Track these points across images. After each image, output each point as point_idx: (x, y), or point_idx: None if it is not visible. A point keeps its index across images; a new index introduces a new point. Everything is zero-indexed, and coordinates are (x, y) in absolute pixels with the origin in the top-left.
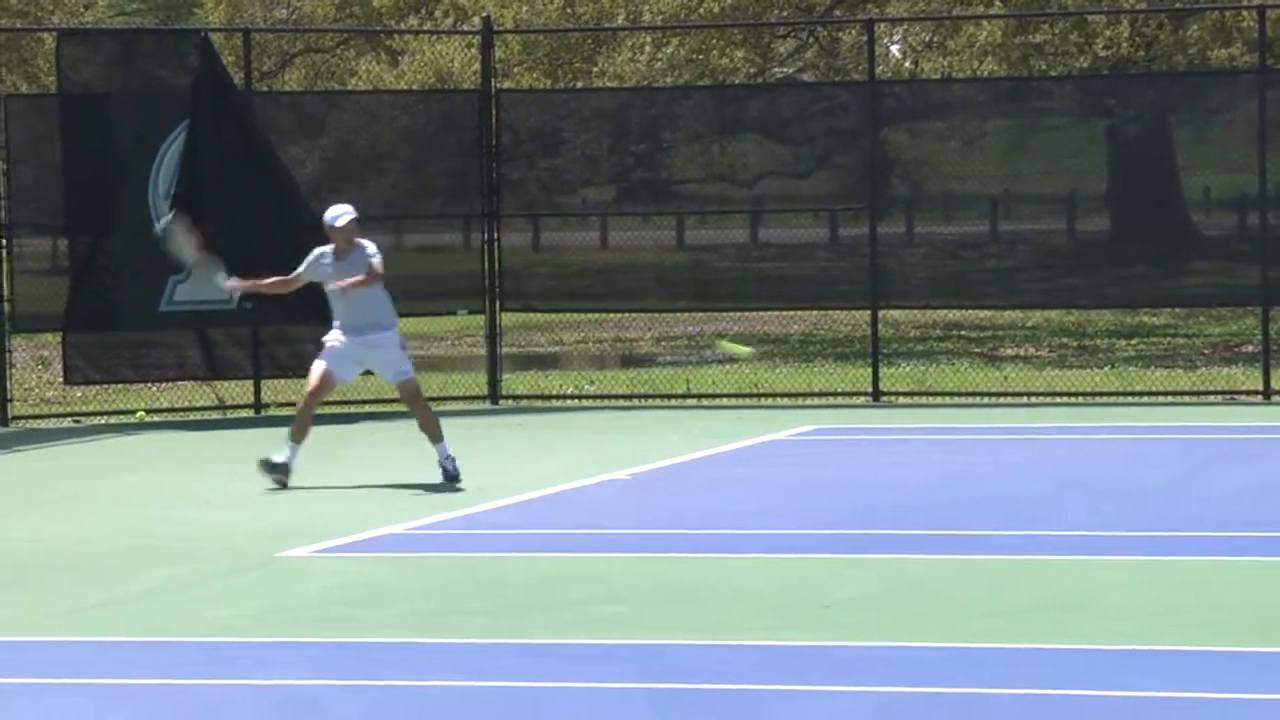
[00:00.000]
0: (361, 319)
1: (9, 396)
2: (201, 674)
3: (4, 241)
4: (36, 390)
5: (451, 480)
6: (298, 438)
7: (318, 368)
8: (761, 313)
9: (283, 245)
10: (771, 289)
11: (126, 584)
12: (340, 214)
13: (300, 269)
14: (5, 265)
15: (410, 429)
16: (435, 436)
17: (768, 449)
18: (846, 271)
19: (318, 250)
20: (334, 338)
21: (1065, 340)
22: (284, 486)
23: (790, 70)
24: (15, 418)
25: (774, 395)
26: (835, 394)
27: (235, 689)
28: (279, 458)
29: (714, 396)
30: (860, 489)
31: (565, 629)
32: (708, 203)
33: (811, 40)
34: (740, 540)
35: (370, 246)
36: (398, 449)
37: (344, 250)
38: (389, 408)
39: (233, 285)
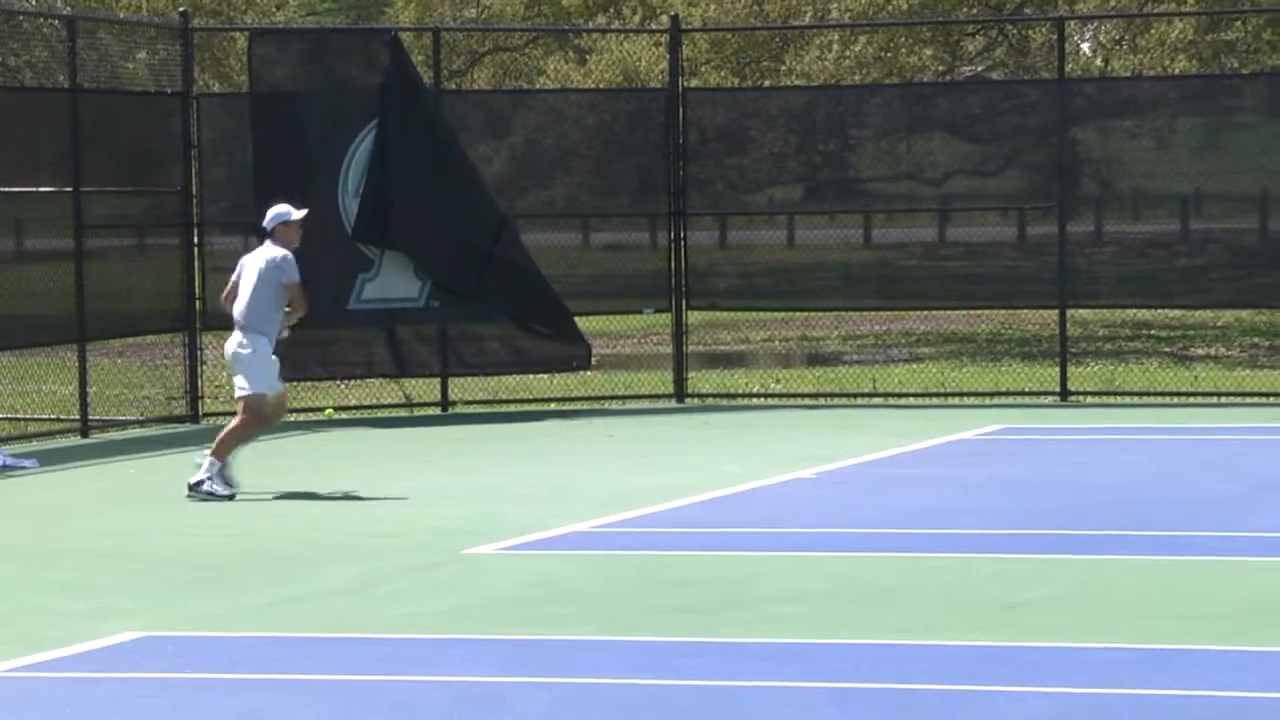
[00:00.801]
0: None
1: (201, 394)
2: (390, 670)
3: (196, 239)
4: (227, 388)
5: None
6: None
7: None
8: (949, 311)
9: (471, 243)
10: (959, 288)
11: (317, 580)
12: (288, 210)
13: (296, 279)
14: (198, 263)
15: (595, 427)
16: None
17: (954, 448)
18: (1034, 270)
19: (288, 255)
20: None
21: (1256, 340)
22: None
23: (979, 68)
24: (207, 415)
25: (961, 394)
26: (1022, 393)
27: (423, 685)
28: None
29: (900, 395)
30: (1048, 489)
31: (750, 628)
32: (894, 201)
33: (1000, 38)
34: (926, 540)
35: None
36: (582, 446)
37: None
38: (574, 405)
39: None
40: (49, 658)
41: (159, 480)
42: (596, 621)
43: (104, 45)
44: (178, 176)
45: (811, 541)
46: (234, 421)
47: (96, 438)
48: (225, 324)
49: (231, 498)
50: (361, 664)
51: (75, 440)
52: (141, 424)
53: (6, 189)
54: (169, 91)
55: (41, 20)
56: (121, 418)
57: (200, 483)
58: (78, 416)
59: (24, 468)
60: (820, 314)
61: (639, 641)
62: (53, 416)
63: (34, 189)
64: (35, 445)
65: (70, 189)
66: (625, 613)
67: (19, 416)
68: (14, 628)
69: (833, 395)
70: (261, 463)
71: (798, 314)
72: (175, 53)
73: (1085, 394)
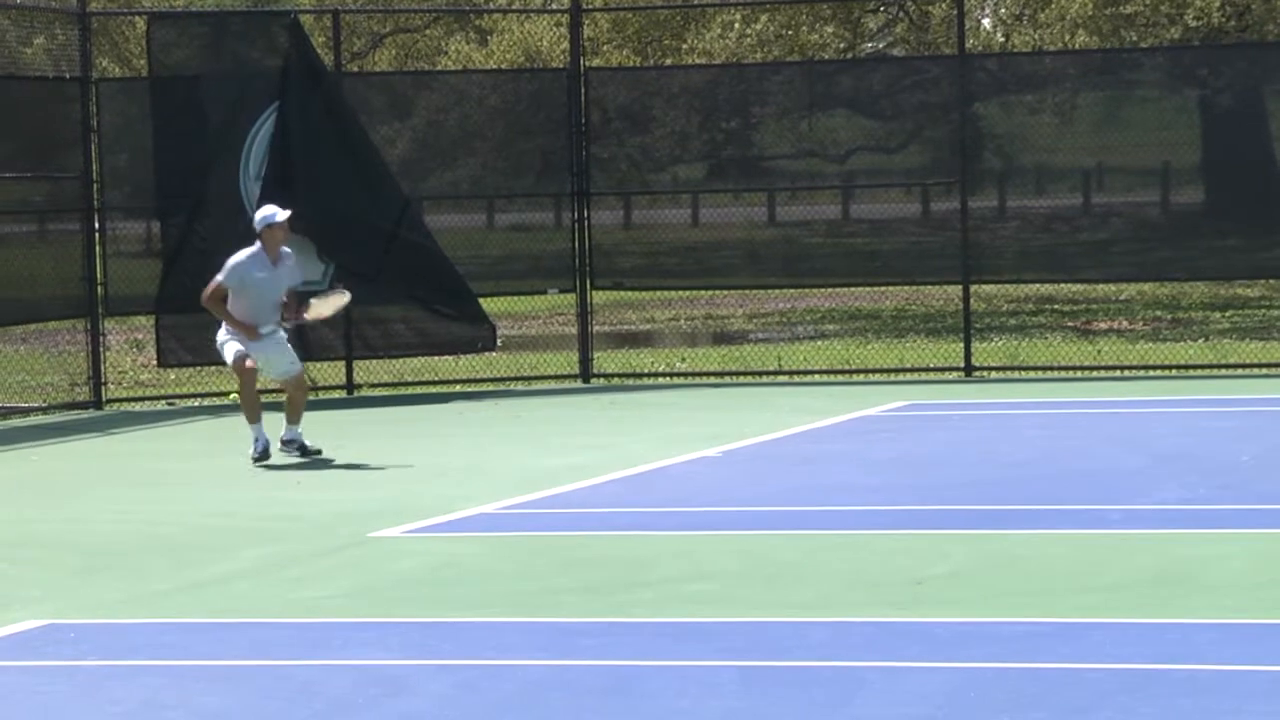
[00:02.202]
0: (266, 322)
1: (104, 379)
2: (294, 654)
3: (98, 224)
4: (130, 373)
5: (309, 454)
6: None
7: (231, 361)
8: (853, 288)
9: (375, 225)
10: (863, 264)
11: (219, 564)
12: (275, 211)
13: (223, 279)
14: (99, 248)
15: (501, 408)
16: (296, 420)
17: (860, 425)
18: (938, 246)
19: (242, 258)
20: (228, 335)
21: (1159, 313)
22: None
23: (880, 45)
24: (110, 400)
25: (866, 371)
26: (928, 369)
27: (327, 669)
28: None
29: (806, 373)
30: (953, 464)
31: (656, 607)
32: (798, 178)
33: (901, 15)
34: (832, 516)
35: (293, 256)
36: (487, 428)
37: (277, 257)
38: (479, 387)
39: None
40: None
41: (62, 467)
42: (502, 603)
43: (1, 30)
44: (78, 162)
45: (718, 520)
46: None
47: None
48: (129, 310)
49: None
50: (265, 648)
51: None
52: (45, 410)
53: None
54: (68, 76)
55: None
56: (24, 405)
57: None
58: None
59: None
60: (725, 292)
61: (544, 623)
62: None
63: None
64: None
65: None
66: (531, 594)
67: None
68: None
69: (738, 374)
70: (164, 446)
71: (703, 293)
72: (74, 37)
73: (990, 369)
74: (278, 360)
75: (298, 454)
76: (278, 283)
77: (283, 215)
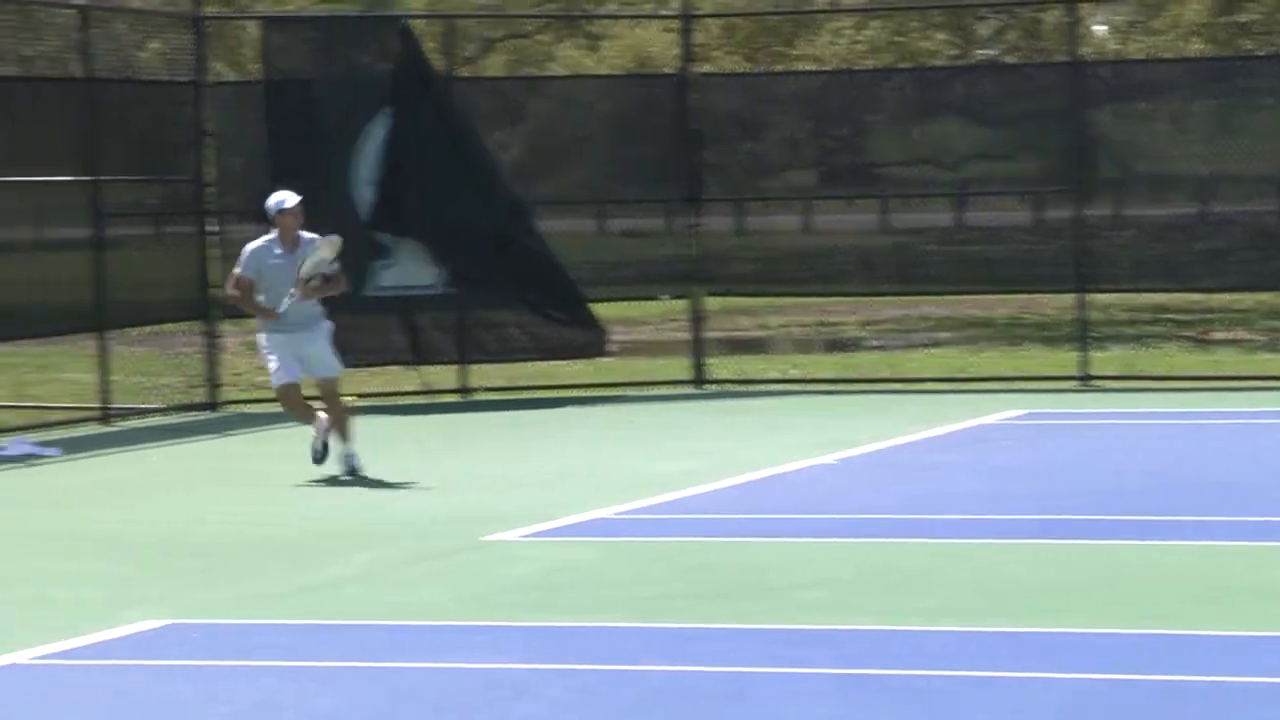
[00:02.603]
0: (300, 316)
1: (219, 381)
2: (409, 657)
3: (212, 227)
4: (246, 375)
5: (353, 474)
6: (310, 420)
7: (276, 386)
8: (967, 296)
9: (487, 230)
10: (976, 272)
11: (334, 567)
12: (285, 197)
13: (241, 271)
14: (214, 251)
15: (614, 412)
16: (346, 436)
17: (975, 433)
18: (1052, 254)
19: (255, 246)
20: (268, 341)
21: (1277, 323)
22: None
23: (992, 52)
24: (225, 402)
25: (980, 379)
26: (1043, 378)
27: (442, 672)
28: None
29: (920, 380)
30: (1072, 474)
31: (771, 614)
32: (910, 186)
33: (1012, 21)
34: (950, 525)
35: (316, 238)
36: (603, 433)
37: (292, 242)
38: (592, 392)
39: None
40: (72, 645)
41: (179, 468)
42: (618, 608)
43: (118, 34)
44: (192, 165)
45: (833, 527)
46: (335, 409)
47: (118, 425)
48: (243, 313)
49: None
50: (380, 651)
51: (97, 428)
52: (162, 412)
53: (24, 178)
54: (182, 80)
55: (55, 10)
56: (142, 405)
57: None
58: (99, 405)
59: (46, 456)
60: (838, 299)
61: (661, 628)
62: (74, 405)
63: (51, 178)
64: (57, 433)
65: (87, 178)
66: (647, 599)
67: (42, 405)
68: (37, 615)
69: (852, 381)
70: (279, 449)
71: (815, 299)
72: (188, 41)
73: (1106, 378)
74: (319, 359)
75: (348, 474)
76: (295, 268)
77: (292, 200)
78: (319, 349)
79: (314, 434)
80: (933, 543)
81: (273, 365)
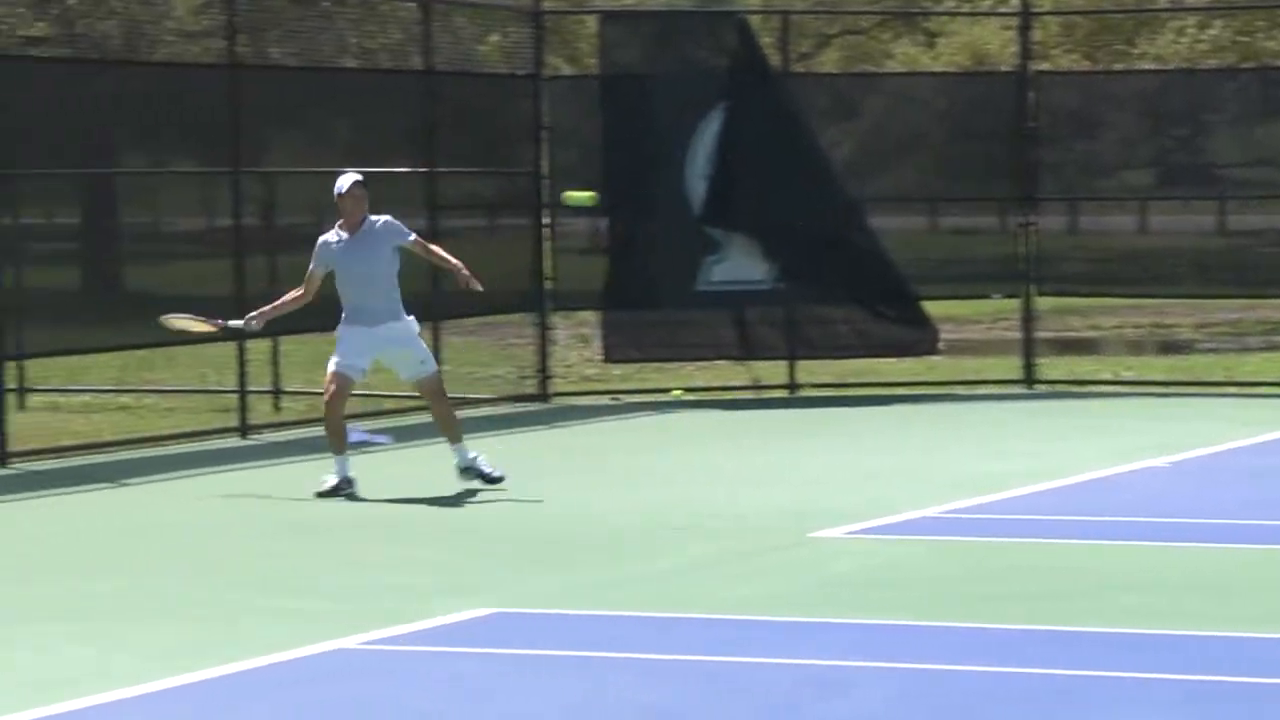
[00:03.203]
0: (378, 306)
1: (550, 373)
2: (734, 651)
3: (547, 220)
4: (576, 367)
5: (492, 482)
6: (337, 449)
7: (330, 371)
8: None
9: (819, 226)
10: None
11: (659, 559)
12: (343, 179)
13: (312, 267)
14: (547, 244)
15: (942, 411)
16: (454, 437)
17: None
18: None
19: (322, 237)
20: (344, 331)
21: None
22: (353, 498)
23: None
24: (556, 394)
25: None
26: None
27: (768, 667)
28: (330, 482)
29: (1255, 385)
30: None
31: (1099, 617)
32: (1250, 187)
33: None
34: (1278, 532)
35: (393, 221)
36: (930, 431)
37: (354, 226)
38: (920, 390)
39: (254, 323)
40: (402, 631)
41: (508, 459)
42: (939, 607)
43: (457, 28)
44: (528, 158)
45: (1163, 531)
46: (440, 407)
47: None
48: (575, 305)
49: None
50: (705, 645)
51: (429, 417)
52: (492, 402)
53: (363, 169)
54: (520, 74)
55: (397, 4)
56: (473, 395)
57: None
58: None
59: (379, 444)
60: (1172, 301)
61: (987, 629)
62: (407, 394)
63: (388, 169)
64: (390, 421)
65: (424, 170)
66: (972, 599)
67: (376, 393)
68: (368, 600)
69: (1185, 384)
70: (608, 441)
71: (1149, 301)
72: (527, 35)
73: None
74: (402, 357)
75: (479, 480)
76: (363, 254)
77: (346, 182)
78: (410, 348)
79: (339, 469)
80: (1263, 549)
81: (337, 356)
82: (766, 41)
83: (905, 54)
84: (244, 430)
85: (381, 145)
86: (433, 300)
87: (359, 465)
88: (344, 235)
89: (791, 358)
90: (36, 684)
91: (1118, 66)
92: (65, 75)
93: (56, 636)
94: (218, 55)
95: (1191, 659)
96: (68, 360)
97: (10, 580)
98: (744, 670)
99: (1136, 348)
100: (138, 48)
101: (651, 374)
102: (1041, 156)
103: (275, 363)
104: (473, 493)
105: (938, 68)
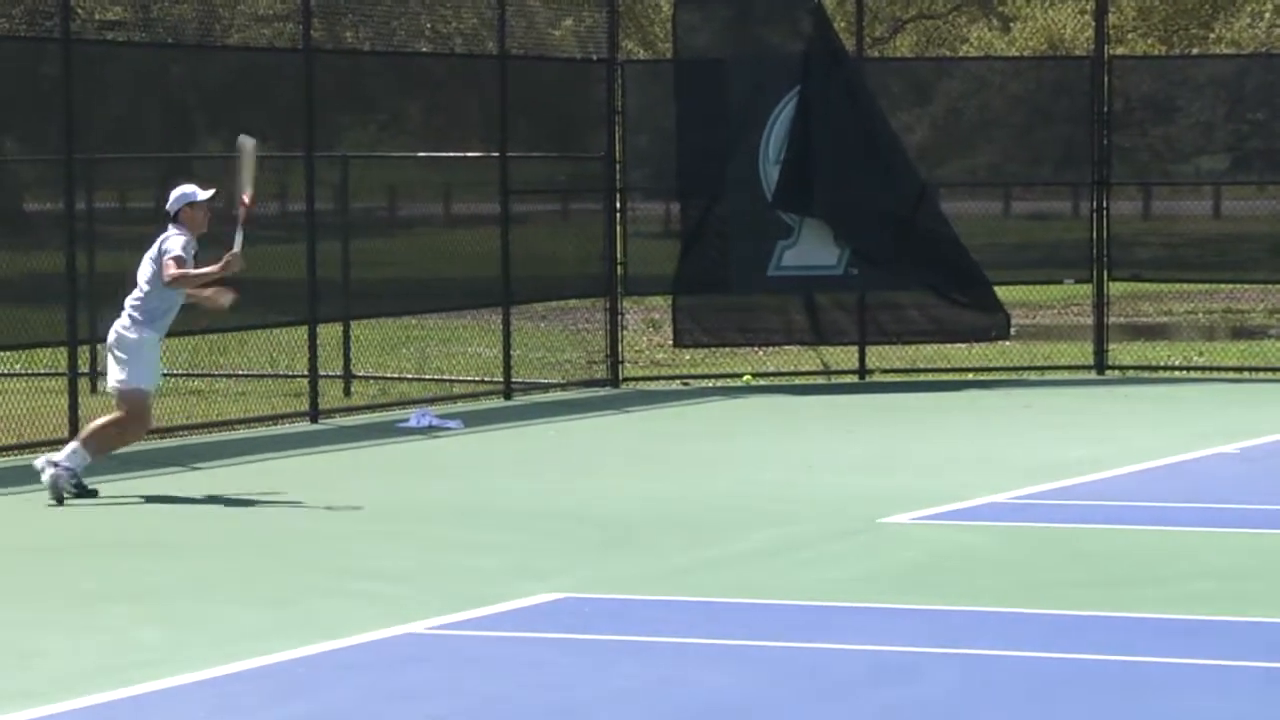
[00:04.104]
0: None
1: (620, 358)
2: (802, 637)
3: (619, 205)
4: (647, 352)
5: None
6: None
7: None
8: None
9: (891, 211)
10: None
11: (730, 544)
12: (203, 192)
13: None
14: (619, 228)
15: (1013, 396)
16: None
17: None
18: None
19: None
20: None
21: None
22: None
23: None
24: (626, 379)
25: None
26: None
27: (836, 652)
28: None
29: None
30: None
31: (1169, 604)
32: None
33: None
34: None
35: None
36: (999, 416)
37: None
38: (992, 375)
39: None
40: (471, 616)
41: (579, 443)
42: (1012, 593)
43: (532, 12)
44: (602, 142)
45: (1234, 517)
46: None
47: (519, 400)
48: (647, 290)
49: (60, 501)
50: (775, 630)
51: (498, 402)
52: (562, 387)
53: (436, 153)
54: (594, 58)
55: None
56: (544, 380)
57: (56, 464)
58: (501, 379)
59: (449, 428)
60: (1246, 286)
61: (1056, 615)
62: (477, 379)
63: (462, 154)
64: (460, 406)
65: (497, 154)
66: (1041, 585)
67: (446, 378)
68: (438, 584)
69: (1258, 369)
70: (678, 426)
71: (1222, 286)
72: (601, 20)
73: None
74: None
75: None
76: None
77: (203, 195)
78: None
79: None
80: None
81: (143, 367)
82: (841, 25)
83: (980, 38)
84: (315, 415)
85: (455, 130)
86: (504, 284)
87: (428, 448)
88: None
89: (863, 343)
90: (106, 669)
91: (1194, 51)
92: (142, 59)
93: (126, 619)
94: (292, 40)
95: (1260, 645)
96: None
97: (81, 563)
98: (811, 656)
99: (1208, 333)
100: (213, 32)
101: (722, 359)
102: (1116, 141)
103: (346, 347)
104: (543, 477)
105: (1013, 52)
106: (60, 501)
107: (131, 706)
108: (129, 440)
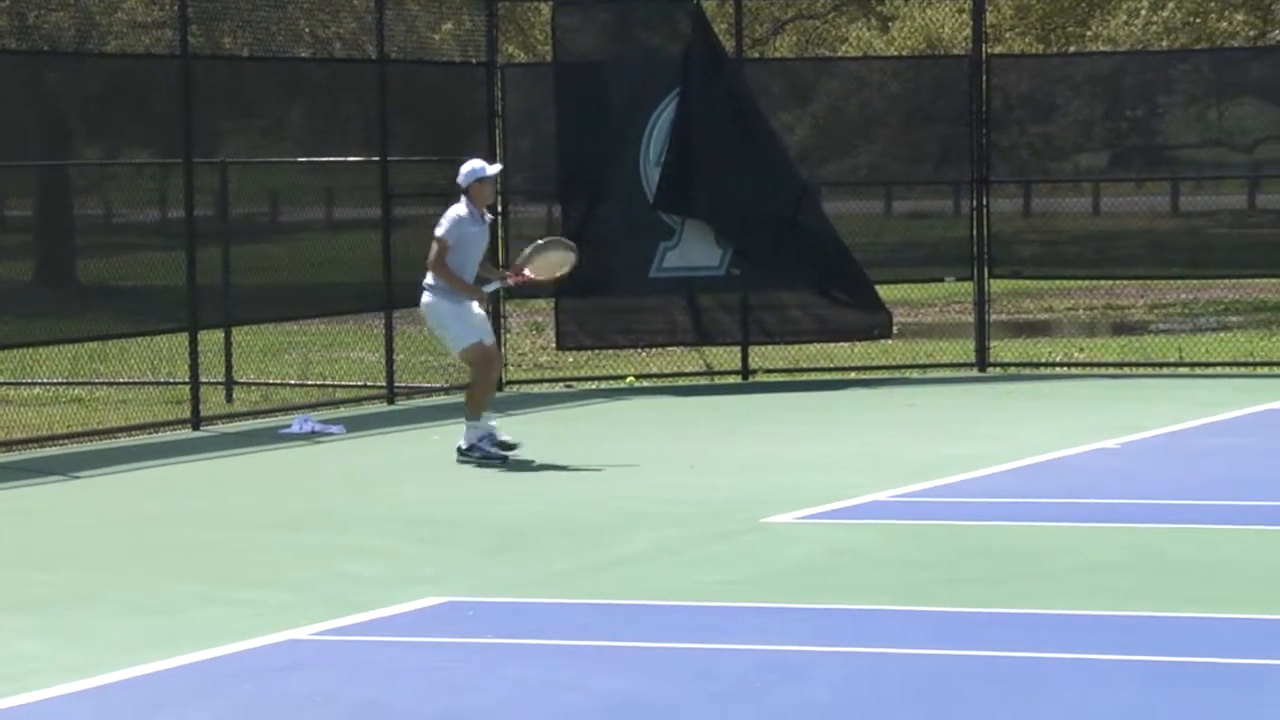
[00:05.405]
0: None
1: (504, 361)
2: (690, 638)
3: (500, 208)
4: (530, 355)
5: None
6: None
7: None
8: (1258, 280)
9: (773, 211)
10: (1269, 256)
11: (616, 547)
12: (483, 165)
13: (443, 233)
14: (500, 231)
15: (895, 395)
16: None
17: (1265, 419)
18: None
19: (460, 210)
20: (459, 309)
21: None
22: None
23: None
24: (510, 382)
25: (1271, 364)
26: None
27: (723, 653)
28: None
29: (1208, 365)
30: None
31: (1052, 600)
32: (1203, 168)
33: None
34: (1232, 512)
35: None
36: (882, 415)
37: (484, 211)
38: (874, 374)
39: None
40: (354, 621)
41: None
42: (897, 591)
43: (411, 16)
44: (482, 146)
45: (1114, 513)
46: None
47: (402, 404)
48: (534, 294)
49: (504, 460)
50: (660, 631)
51: (381, 407)
52: (446, 391)
53: (317, 158)
54: (475, 62)
55: None
56: (426, 385)
57: (472, 448)
58: (384, 383)
59: (332, 434)
60: (1126, 282)
61: (940, 612)
62: (360, 383)
63: (343, 159)
64: (343, 411)
65: (378, 159)
66: (925, 582)
67: (329, 383)
68: (320, 591)
69: (1138, 365)
70: (562, 429)
71: (1102, 282)
72: (481, 23)
73: None
74: (486, 327)
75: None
76: (484, 238)
77: (492, 169)
78: (484, 319)
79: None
80: (1216, 529)
81: (462, 331)
82: (722, 28)
83: (860, 38)
84: (196, 422)
85: (336, 134)
86: (386, 289)
87: (310, 454)
88: (478, 216)
89: (746, 343)
90: None
91: (1071, 49)
92: (17, 67)
93: (7, 630)
94: (170, 46)
95: (1146, 639)
96: (19, 353)
97: None
98: (700, 656)
99: (1089, 329)
100: (90, 39)
101: (606, 361)
102: (995, 140)
103: (228, 354)
104: (427, 482)
105: (892, 52)
106: (505, 460)
107: (9, 718)
108: (491, 384)
